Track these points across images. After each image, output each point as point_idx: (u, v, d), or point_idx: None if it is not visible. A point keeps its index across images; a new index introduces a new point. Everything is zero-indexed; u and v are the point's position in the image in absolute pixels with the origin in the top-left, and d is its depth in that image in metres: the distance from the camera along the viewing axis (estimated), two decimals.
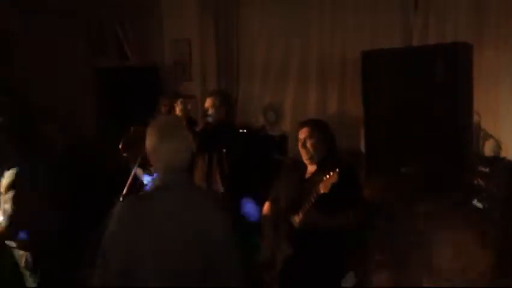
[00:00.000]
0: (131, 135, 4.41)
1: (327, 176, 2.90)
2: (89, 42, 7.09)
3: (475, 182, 3.50)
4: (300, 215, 3.07)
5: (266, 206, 3.45)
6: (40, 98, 6.41)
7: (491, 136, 4.35)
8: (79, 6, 6.56)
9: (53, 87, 6.69)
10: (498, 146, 4.33)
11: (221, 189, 3.98)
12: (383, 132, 3.10)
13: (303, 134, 3.23)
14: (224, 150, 3.92)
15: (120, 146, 4.55)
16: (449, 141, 2.78)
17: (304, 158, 3.24)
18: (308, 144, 3.19)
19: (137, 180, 4.23)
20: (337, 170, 2.87)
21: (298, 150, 3.27)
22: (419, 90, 2.85)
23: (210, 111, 4.08)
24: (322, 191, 2.91)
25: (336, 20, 5.29)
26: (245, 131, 5.40)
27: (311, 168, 3.26)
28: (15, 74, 6.60)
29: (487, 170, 3.66)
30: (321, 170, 3.10)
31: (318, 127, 3.25)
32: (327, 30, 5.35)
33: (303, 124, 3.30)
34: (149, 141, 2.20)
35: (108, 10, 6.79)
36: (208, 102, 4.14)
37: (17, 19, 6.17)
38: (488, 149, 4.38)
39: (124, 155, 4.60)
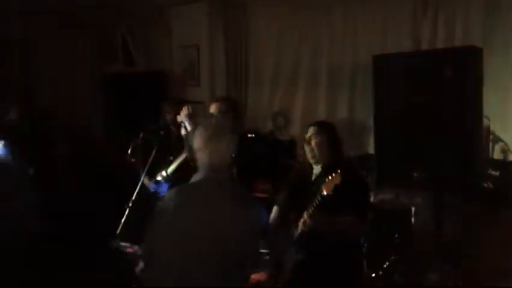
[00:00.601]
0: (140, 142, 4.42)
1: (330, 178, 2.89)
2: (97, 49, 7.16)
3: (485, 185, 3.49)
4: (305, 217, 3.05)
5: (274, 211, 3.45)
6: (48, 102, 6.49)
7: (500, 139, 4.34)
8: (88, 13, 6.62)
9: (61, 92, 6.76)
10: (507, 150, 4.31)
11: None
12: (393, 137, 3.08)
13: (309, 132, 3.23)
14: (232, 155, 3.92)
15: (128, 152, 4.57)
16: (460, 145, 2.77)
17: (308, 157, 3.23)
18: (313, 143, 3.17)
19: (145, 187, 4.24)
20: (339, 171, 2.86)
21: (304, 151, 3.26)
22: (429, 94, 2.84)
23: None
24: (325, 193, 2.90)
25: (346, 26, 5.28)
26: (253, 135, 5.41)
27: (316, 170, 3.25)
28: (23, 78, 6.69)
29: (497, 173, 3.64)
30: (326, 173, 3.10)
31: (325, 128, 3.24)
32: (337, 36, 5.34)
33: (311, 124, 3.30)
34: (198, 140, 2.32)
35: (117, 16, 6.85)
36: (213, 108, 4.15)
37: (28, 27, 6.25)
38: (497, 153, 4.37)
39: (132, 160, 4.63)
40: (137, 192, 3.88)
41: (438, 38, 4.62)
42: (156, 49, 6.68)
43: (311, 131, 3.22)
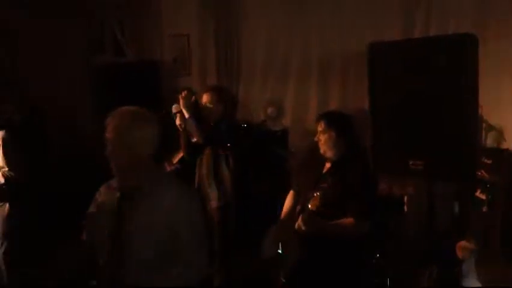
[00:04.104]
0: None
1: (316, 194, 2.87)
2: (86, 39, 7.06)
3: (478, 173, 3.49)
4: (299, 222, 3.01)
5: (288, 197, 3.40)
6: (37, 96, 6.39)
7: (493, 127, 4.35)
8: (76, 3, 6.52)
9: (50, 86, 6.66)
10: (501, 137, 4.33)
11: (229, 184, 3.96)
12: (389, 126, 3.07)
13: (319, 127, 3.17)
14: (228, 145, 3.91)
15: None
16: (456, 134, 2.77)
17: (321, 151, 3.19)
18: (322, 140, 3.13)
19: None
20: (318, 193, 2.84)
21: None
22: (425, 83, 2.82)
23: (208, 107, 4.07)
24: (309, 208, 2.89)
25: (336, 14, 5.24)
26: (245, 125, 5.38)
27: (328, 164, 3.20)
28: (11, 70, 6.58)
29: (490, 161, 3.65)
30: (335, 169, 3.07)
31: (335, 122, 3.17)
32: (328, 24, 5.30)
33: (321, 116, 3.24)
34: (144, 130, 2.14)
35: (106, 6, 6.75)
36: (205, 98, 4.12)
37: (15, 16, 6.14)
38: (490, 141, 4.38)
39: None
40: None
41: (431, 26, 4.61)
42: (146, 39, 6.60)
43: (320, 126, 3.15)
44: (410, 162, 2.93)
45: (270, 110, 5.65)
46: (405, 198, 4.50)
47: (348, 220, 2.96)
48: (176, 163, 4.61)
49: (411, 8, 4.75)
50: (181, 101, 4.01)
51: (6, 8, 5.92)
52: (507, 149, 4.06)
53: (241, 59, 5.94)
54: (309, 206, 2.89)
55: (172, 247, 2.07)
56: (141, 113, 2.22)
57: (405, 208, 4.54)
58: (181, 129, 4.06)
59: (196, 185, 4.15)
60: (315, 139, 3.17)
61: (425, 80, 2.79)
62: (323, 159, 3.22)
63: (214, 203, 4.02)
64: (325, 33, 5.34)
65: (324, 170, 3.18)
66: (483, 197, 3.38)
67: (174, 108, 4.06)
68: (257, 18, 5.78)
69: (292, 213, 3.23)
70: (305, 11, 5.43)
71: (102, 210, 2.22)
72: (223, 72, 5.99)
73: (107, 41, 6.94)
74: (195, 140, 4.03)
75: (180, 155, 4.50)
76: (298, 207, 3.15)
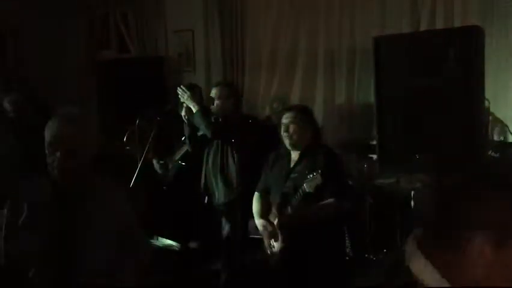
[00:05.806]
0: (136, 129, 4.39)
1: (311, 176, 2.90)
2: (90, 35, 7.06)
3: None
4: (289, 211, 3.07)
5: (255, 199, 3.44)
6: (41, 93, 6.40)
7: (500, 121, 4.32)
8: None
9: (54, 82, 6.67)
10: (507, 131, 4.30)
11: (235, 180, 3.95)
12: (395, 120, 3.05)
13: (286, 119, 3.20)
14: (233, 140, 3.89)
15: (124, 139, 4.55)
16: (462, 127, 2.75)
17: (287, 144, 3.21)
18: (291, 130, 3.16)
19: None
20: (319, 171, 2.86)
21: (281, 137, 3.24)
22: (432, 76, 2.80)
23: (217, 102, 4.03)
24: (307, 190, 2.92)
25: (344, 8, 5.20)
26: (251, 121, 5.35)
27: (294, 156, 3.23)
28: (13, 67, 6.58)
29: (497, 155, 3.63)
30: (304, 159, 3.11)
31: (302, 113, 3.22)
32: (334, 18, 5.26)
33: (287, 109, 3.30)
34: (87, 134, 2.15)
35: (110, 1, 6.75)
36: (215, 93, 4.08)
37: (19, 14, 6.15)
38: (497, 134, 4.35)
39: (127, 148, 4.61)
40: (136, 177, 3.87)
41: (437, 18, 4.56)
42: (150, 35, 6.58)
43: (288, 117, 3.19)
44: (417, 156, 2.93)
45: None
46: (412, 193, 4.48)
47: (329, 201, 2.99)
48: (177, 159, 4.58)
49: (417, 2, 4.71)
50: (186, 95, 3.98)
51: (8, 7, 5.93)
52: None
53: (246, 54, 5.91)
54: (306, 188, 2.92)
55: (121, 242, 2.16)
56: (80, 117, 2.20)
57: (412, 203, 4.52)
58: (185, 121, 4.05)
59: (203, 179, 4.13)
60: (281, 132, 3.20)
61: (431, 73, 2.77)
62: (285, 158, 3.26)
63: (221, 199, 4.00)
64: (331, 26, 5.30)
65: (292, 163, 3.21)
66: None
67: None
68: (263, 13, 5.75)
69: (266, 212, 3.28)
70: (311, 5, 5.40)
71: (33, 217, 2.07)
72: (228, 68, 5.97)
73: (111, 37, 6.94)
74: (200, 133, 4.01)
75: (182, 150, 4.48)
76: (273, 207, 3.20)
